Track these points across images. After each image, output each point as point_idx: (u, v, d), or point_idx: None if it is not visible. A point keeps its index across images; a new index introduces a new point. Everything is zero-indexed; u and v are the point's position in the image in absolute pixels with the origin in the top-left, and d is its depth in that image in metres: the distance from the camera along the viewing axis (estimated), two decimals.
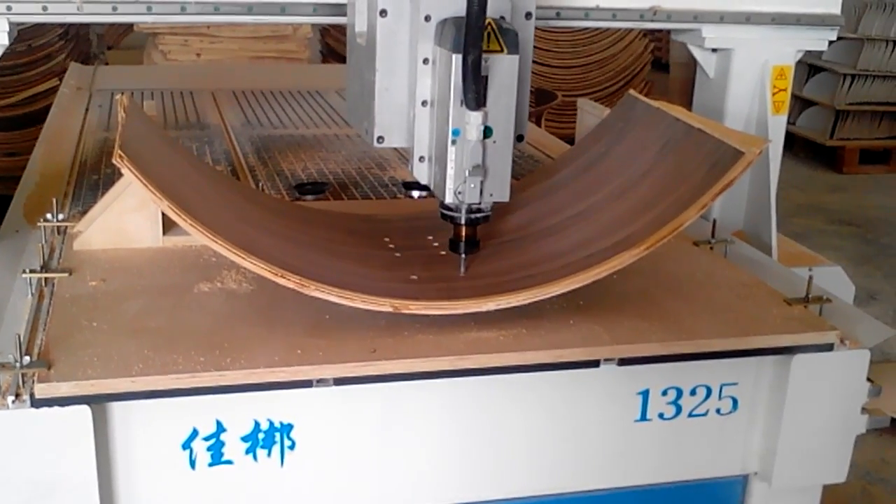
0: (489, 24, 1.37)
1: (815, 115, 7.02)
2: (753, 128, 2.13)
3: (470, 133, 1.39)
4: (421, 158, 1.50)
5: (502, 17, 1.43)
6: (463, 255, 1.52)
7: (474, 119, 1.38)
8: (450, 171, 1.43)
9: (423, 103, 1.47)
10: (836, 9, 2.07)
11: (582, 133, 2.20)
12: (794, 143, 7.06)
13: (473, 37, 1.33)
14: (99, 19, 1.76)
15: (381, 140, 1.50)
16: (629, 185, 1.59)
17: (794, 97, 7.06)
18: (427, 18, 1.42)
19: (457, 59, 1.36)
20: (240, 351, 1.30)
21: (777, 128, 2.12)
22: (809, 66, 6.93)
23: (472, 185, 1.43)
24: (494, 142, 1.42)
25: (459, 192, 1.43)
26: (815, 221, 5.79)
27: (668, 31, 2.16)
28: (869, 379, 1.50)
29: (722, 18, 2.01)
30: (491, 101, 1.40)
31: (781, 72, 2.09)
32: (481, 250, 1.56)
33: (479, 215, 1.48)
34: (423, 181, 1.52)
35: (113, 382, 1.23)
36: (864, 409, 1.51)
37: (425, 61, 1.45)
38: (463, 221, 1.48)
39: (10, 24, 1.68)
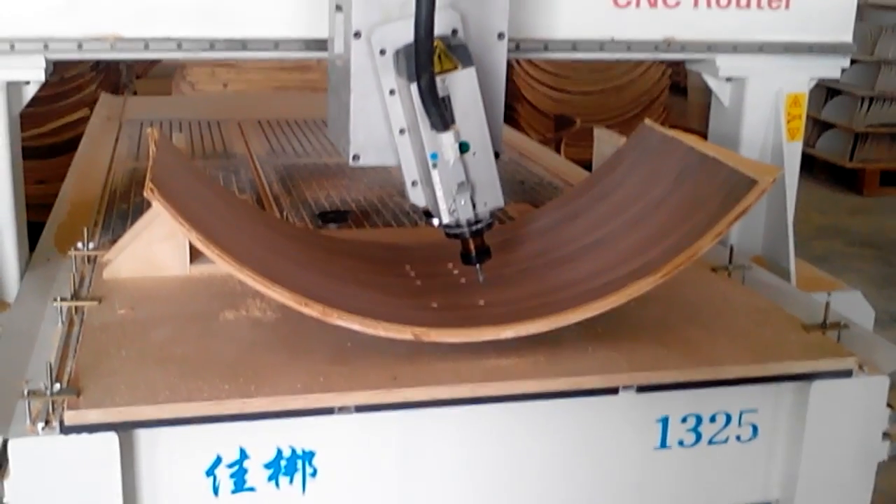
0: (436, 45, 1.41)
1: (834, 137, 6.98)
2: (769, 155, 2.14)
3: (447, 154, 1.44)
4: (413, 183, 1.55)
5: (454, 31, 1.47)
6: (478, 266, 1.56)
7: (447, 140, 1.43)
8: (439, 194, 1.48)
9: (401, 131, 1.52)
10: (847, 37, 2.09)
11: (598, 161, 2.23)
12: (814, 166, 7.01)
13: (422, 63, 1.38)
14: (131, 56, 1.82)
15: (356, 158, 1.55)
16: (645, 214, 1.61)
17: (813, 120, 7.02)
18: (382, 52, 1.47)
19: (414, 88, 1.41)
20: (263, 378, 1.33)
21: (792, 154, 2.13)
22: (827, 90, 6.90)
23: (463, 202, 1.48)
24: (474, 154, 1.47)
25: (453, 211, 1.48)
26: (836, 244, 5.73)
27: (683, 62, 2.19)
28: (889, 405, 1.49)
29: (735, 48, 2.03)
30: (459, 118, 1.44)
31: (795, 99, 2.11)
32: (500, 278, 1.58)
33: (480, 226, 1.52)
34: (421, 204, 1.57)
35: (140, 410, 1.26)
36: (885, 436, 1.50)
37: (391, 92, 1.50)
38: (468, 236, 1.52)
39: (47, 60, 1.74)
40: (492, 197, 1.51)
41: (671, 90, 7.01)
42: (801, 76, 2.11)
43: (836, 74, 2.12)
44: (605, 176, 1.82)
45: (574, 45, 1.93)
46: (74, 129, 4.67)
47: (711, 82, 2.13)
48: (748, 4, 2.00)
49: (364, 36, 1.48)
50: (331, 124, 1.73)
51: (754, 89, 2.10)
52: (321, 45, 1.80)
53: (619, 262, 1.52)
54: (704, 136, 2.20)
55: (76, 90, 4.96)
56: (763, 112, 2.12)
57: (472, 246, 1.54)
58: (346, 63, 1.54)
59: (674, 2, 1.95)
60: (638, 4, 1.94)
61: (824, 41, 2.07)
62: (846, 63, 2.11)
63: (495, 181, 1.50)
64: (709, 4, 1.97)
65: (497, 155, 1.53)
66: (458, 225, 1.51)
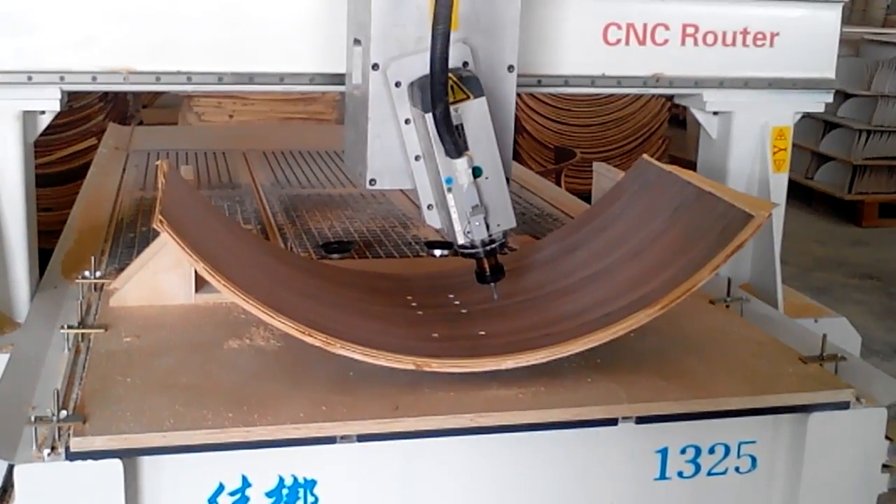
0: (449, 77, 1.49)
1: (832, 169, 7.04)
2: (756, 185, 2.20)
3: (461, 178, 1.52)
4: (429, 206, 1.62)
5: (465, 64, 1.56)
6: (493, 285, 1.63)
7: (461, 166, 1.51)
8: (454, 216, 1.55)
9: (417, 158, 1.60)
10: (830, 73, 2.15)
11: (598, 195, 2.27)
12: (813, 198, 7.06)
13: (437, 95, 1.46)
14: (143, 88, 1.88)
15: (373, 182, 1.63)
16: (643, 247, 1.64)
17: (812, 153, 7.10)
18: (397, 84, 1.56)
19: (429, 118, 1.49)
20: (266, 407, 1.35)
21: (778, 185, 2.19)
22: (825, 123, 6.98)
23: (477, 223, 1.55)
24: (487, 178, 1.55)
25: (468, 232, 1.55)
26: (835, 275, 5.75)
27: (672, 96, 2.25)
28: (888, 437, 1.50)
29: (721, 84, 2.10)
30: (472, 144, 1.53)
31: (781, 132, 2.17)
32: (501, 309, 1.61)
33: (494, 245, 1.59)
34: (437, 226, 1.64)
35: (145, 437, 1.27)
36: (885, 467, 1.51)
37: (407, 121, 1.58)
38: (482, 255, 1.59)
39: (62, 92, 1.80)
40: (504, 218, 1.58)
41: (670, 122, 7.09)
42: (786, 110, 2.17)
43: (820, 109, 2.19)
44: (604, 209, 1.85)
45: (566, 81, 2.01)
46: (82, 157, 4.74)
47: (699, 115, 2.20)
48: (733, 42, 2.07)
49: (381, 68, 1.56)
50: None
51: (741, 123, 2.16)
52: (324, 78, 1.87)
53: (619, 295, 1.55)
54: None
55: (85, 120, 5.03)
56: (749, 144, 2.18)
57: (486, 265, 1.61)
58: (363, 93, 1.62)
59: (662, 40, 2.02)
60: (627, 42, 2.00)
61: (808, 77, 2.14)
62: (829, 98, 2.18)
63: (507, 203, 1.59)
64: (696, 43, 2.04)
65: (507, 179, 1.61)
66: (472, 245, 1.58)
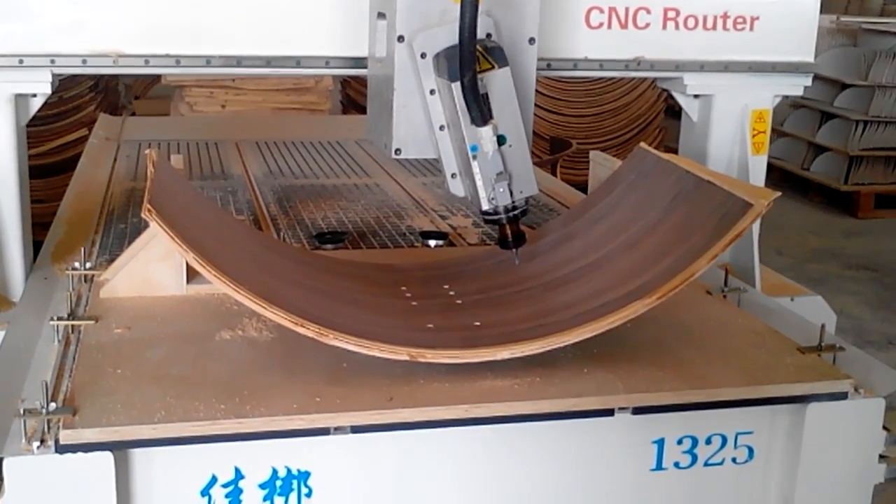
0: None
1: (828, 160, 7.04)
2: (735, 167, 2.22)
3: (486, 146, 1.55)
4: (453, 175, 1.66)
5: (488, 35, 1.59)
6: (515, 250, 1.67)
7: (485, 133, 1.54)
8: (479, 183, 1.59)
9: (441, 128, 1.63)
10: (809, 57, 2.17)
11: (594, 184, 2.25)
12: (809, 189, 7.06)
13: (466, 64, 1.49)
14: (133, 71, 1.87)
15: (398, 152, 1.66)
16: (641, 236, 1.63)
17: (808, 143, 7.10)
18: (423, 56, 1.59)
19: (456, 87, 1.52)
20: (259, 398, 1.33)
21: (758, 167, 2.21)
22: (822, 113, 6.97)
23: (501, 190, 1.59)
24: (510, 146, 1.59)
25: (492, 199, 1.59)
26: (831, 266, 5.76)
27: (654, 80, 2.25)
28: (885, 427, 1.50)
29: (702, 67, 2.11)
30: (496, 112, 1.56)
31: (760, 115, 2.18)
32: (496, 299, 1.60)
33: (517, 212, 1.64)
34: (460, 194, 1.68)
35: (136, 429, 1.26)
36: (881, 458, 1.51)
37: (432, 92, 1.61)
38: (505, 221, 1.63)
39: (53, 75, 1.80)
40: (527, 185, 1.63)
41: (667, 113, 7.06)
42: (766, 93, 2.19)
43: (799, 92, 2.21)
44: (601, 199, 1.84)
45: (549, 64, 2.01)
46: (73, 148, 4.70)
47: (680, 99, 2.21)
48: (714, 26, 2.08)
49: (407, 40, 1.59)
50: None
51: (721, 106, 2.18)
52: (309, 61, 1.88)
53: (615, 285, 1.54)
54: None
55: (75, 110, 4.99)
56: (729, 127, 2.19)
57: (508, 231, 1.64)
58: (388, 66, 1.65)
59: (643, 23, 2.03)
60: (609, 26, 2.02)
61: (787, 61, 2.15)
62: (808, 81, 2.19)
63: (530, 171, 1.62)
64: (676, 26, 2.05)
65: (529, 148, 1.63)
66: (496, 212, 1.62)
